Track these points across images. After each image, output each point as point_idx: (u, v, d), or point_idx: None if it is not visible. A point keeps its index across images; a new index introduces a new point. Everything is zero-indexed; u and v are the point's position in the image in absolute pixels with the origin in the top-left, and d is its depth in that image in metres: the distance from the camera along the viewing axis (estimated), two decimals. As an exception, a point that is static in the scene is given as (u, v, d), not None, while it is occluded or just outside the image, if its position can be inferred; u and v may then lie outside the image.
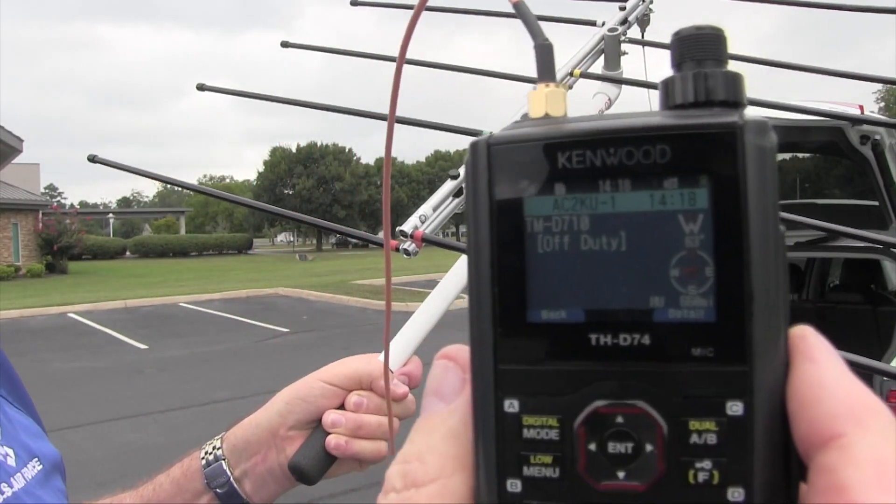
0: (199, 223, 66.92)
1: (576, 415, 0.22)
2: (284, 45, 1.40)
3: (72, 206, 66.14)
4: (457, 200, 0.84)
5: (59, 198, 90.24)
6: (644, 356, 0.21)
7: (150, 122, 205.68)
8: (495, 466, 0.22)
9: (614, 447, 0.21)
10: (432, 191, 0.84)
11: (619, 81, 1.04)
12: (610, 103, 1.03)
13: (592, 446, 0.21)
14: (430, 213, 0.81)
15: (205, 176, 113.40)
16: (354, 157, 51.71)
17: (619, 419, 0.21)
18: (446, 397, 0.25)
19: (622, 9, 1.13)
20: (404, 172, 53.61)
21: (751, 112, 0.22)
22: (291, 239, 64.79)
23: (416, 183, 50.40)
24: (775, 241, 0.21)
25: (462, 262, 0.79)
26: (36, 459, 0.72)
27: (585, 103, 1.02)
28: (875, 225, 3.78)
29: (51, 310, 16.04)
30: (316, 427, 0.72)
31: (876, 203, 3.58)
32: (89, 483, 5.11)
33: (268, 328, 12.52)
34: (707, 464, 0.20)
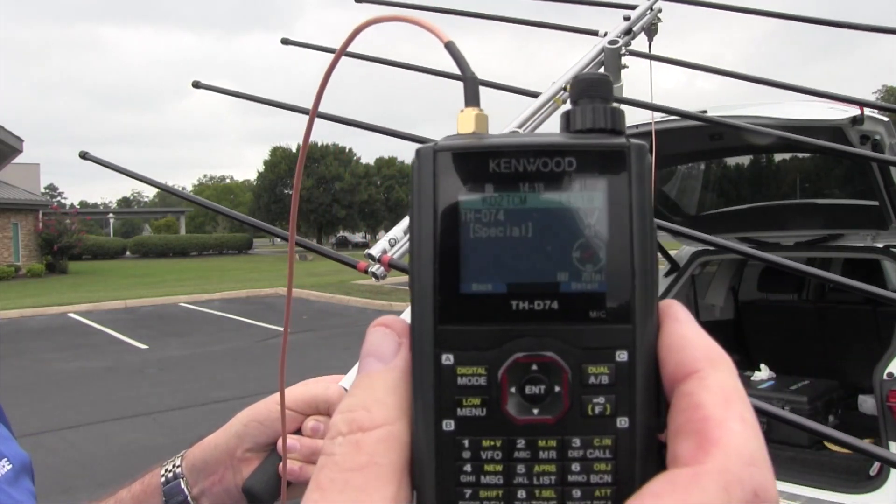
0: (199, 223, 66.91)
1: (500, 364, 0.27)
2: (285, 42, 1.38)
3: (72, 206, 66.11)
4: None
5: (59, 198, 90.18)
6: (553, 318, 0.27)
7: (151, 122, 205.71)
8: (433, 410, 0.27)
9: (530, 389, 0.27)
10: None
11: (617, 100, 0.99)
12: None
13: (513, 389, 0.27)
14: (400, 237, 0.76)
15: (205, 176, 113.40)
16: (354, 157, 51.68)
17: (534, 367, 0.27)
18: (384, 358, 0.29)
19: (626, 18, 1.07)
20: (404, 172, 53.52)
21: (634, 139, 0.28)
22: (291, 239, 64.55)
23: (416, 183, 50.21)
24: (650, 233, 0.27)
25: None
26: (5, 459, 0.74)
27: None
28: (875, 225, 3.78)
29: (51, 310, 16.03)
30: (271, 451, 0.72)
31: (876, 203, 3.57)
32: (89, 483, 5.10)
33: (268, 328, 12.52)
34: (601, 399, 0.27)
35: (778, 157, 4.84)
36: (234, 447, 0.73)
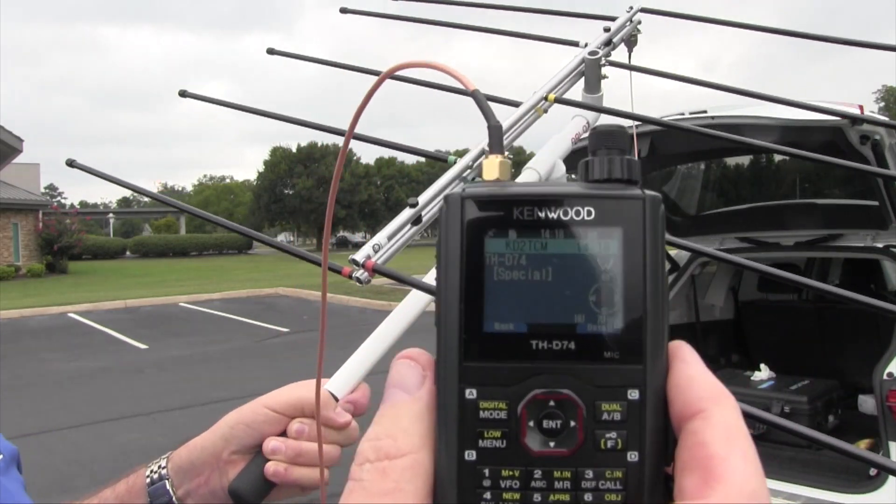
0: (198, 223, 66.80)
1: (520, 400, 0.29)
2: (270, 52, 1.36)
3: (72, 206, 66.16)
4: (414, 229, 0.80)
5: (59, 198, 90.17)
6: (570, 357, 0.29)
7: (151, 122, 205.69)
8: (456, 441, 0.29)
9: (547, 423, 0.29)
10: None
11: (597, 109, 0.97)
12: (588, 126, 0.98)
13: (531, 423, 0.29)
14: (384, 243, 0.77)
15: (205, 176, 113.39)
16: (354, 157, 51.72)
17: (552, 403, 0.29)
18: (409, 389, 0.30)
19: (606, 30, 1.08)
20: (404, 172, 53.58)
21: (648, 190, 0.30)
22: (291, 239, 64.69)
23: (416, 183, 50.41)
24: (662, 279, 0.29)
25: (412, 296, 0.80)
26: None
27: (564, 124, 0.97)
28: (875, 225, 3.77)
29: (51, 310, 16.03)
30: (257, 453, 0.73)
31: (876, 203, 3.57)
32: (89, 483, 5.10)
33: (268, 328, 12.52)
34: (613, 434, 0.28)
35: (778, 157, 4.84)
36: (220, 449, 0.73)
